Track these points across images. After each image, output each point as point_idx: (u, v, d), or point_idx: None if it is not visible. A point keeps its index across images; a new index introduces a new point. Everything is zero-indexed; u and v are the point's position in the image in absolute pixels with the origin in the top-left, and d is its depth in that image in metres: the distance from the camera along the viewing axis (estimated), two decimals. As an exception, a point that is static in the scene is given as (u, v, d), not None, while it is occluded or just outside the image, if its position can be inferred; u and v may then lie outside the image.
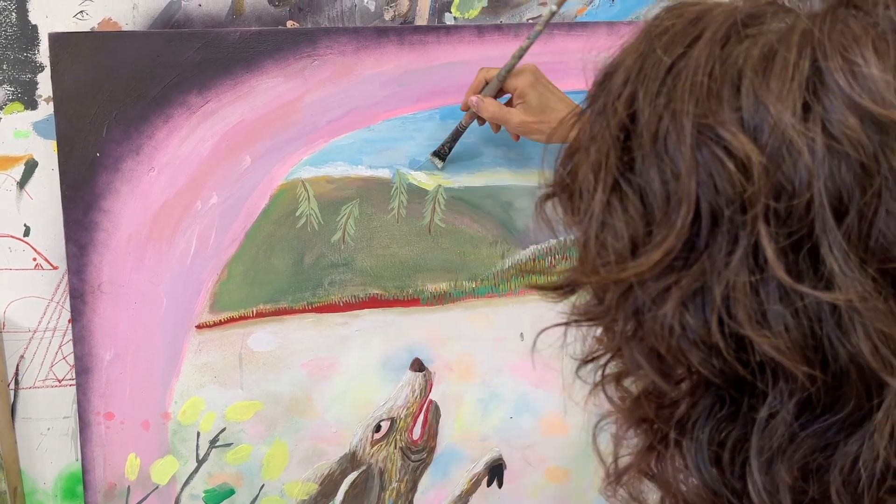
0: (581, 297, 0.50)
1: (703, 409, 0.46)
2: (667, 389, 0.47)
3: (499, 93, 0.94)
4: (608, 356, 0.50)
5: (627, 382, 0.50)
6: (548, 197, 0.52)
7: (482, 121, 0.97)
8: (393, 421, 1.05)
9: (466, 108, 0.96)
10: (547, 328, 0.53)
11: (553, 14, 0.88)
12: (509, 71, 0.91)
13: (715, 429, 0.46)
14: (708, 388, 0.46)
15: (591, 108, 0.48)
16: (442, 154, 1.00)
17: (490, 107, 0.93)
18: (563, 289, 0.51)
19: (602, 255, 0.46)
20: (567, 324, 0.51)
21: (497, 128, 0.98)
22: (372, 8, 0.99)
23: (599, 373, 0.51)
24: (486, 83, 0.93)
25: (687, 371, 0.46)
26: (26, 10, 0.95)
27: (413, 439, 1.06)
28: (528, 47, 0.90)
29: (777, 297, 0.42)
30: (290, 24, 0.99)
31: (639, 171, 0.45)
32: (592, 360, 0.51)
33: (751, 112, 0.42)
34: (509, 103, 0.94)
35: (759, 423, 0.44)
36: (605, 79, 0.48)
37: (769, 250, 0.41)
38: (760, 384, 0.44)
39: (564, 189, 0.49)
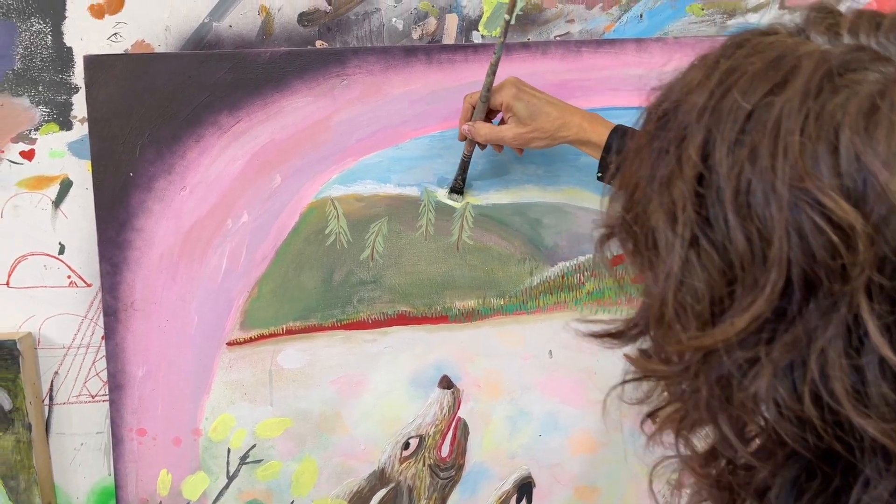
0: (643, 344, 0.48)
1: (787, 479, 0.44)
2: (745, 454, 0.45)
3: (490, 114, 0.94)
4: (677, 409, 0.47)
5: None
6: (607, 237, 0.49)
7: (483, 145, 0.97)
8: (421, 438, 1.05)
9: (464, 137, 0.96)
10: (617, 386, 0.50)
11: (508, 23, 0.88)
12: (489, 90, 0.91)
13: (801, 502, 0.43)
14: (793, 459, 0.44)
15: (651, 146, 0.46)
16: (457, 189, 1.00)
17: (482, 130, 0.92)
18: (626, 336, 0.49)
19: (681, 315, 0.43)
20: (637, 380, 0.49)
21: (500, 148, 0.98)
22: (400, 27, 1.00)
23: (662, 421, 0.48)
24: (474, 108, 0.93)
25: (766, 436, 0.44)
26: (61, 33, 0.97)
27: (442, 457, 1.06)
28: (497, 62, 0.90)
29: (880, 374, 0.39)
30: (319, 44, 1.00)
31: (718, 227, 0.42)
32: (658, 410, 0.49)
33: (853, 176, 0.39)
34: (502, 120, 0.93)
35: (853, 499, 0.41)
36: (666, 114, 0.46)
37: (871, 325, 0.38)
38: (859, 463, 0.41)
39: (628, 232, 0.47)
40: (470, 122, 0.93)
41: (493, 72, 0.90)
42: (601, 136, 0.87)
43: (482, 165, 1.01)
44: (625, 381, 0.49)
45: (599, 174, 0.89)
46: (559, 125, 0.89)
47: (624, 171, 0.48)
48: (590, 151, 0.90)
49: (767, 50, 0.43)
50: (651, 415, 0.49)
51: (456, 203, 1.01)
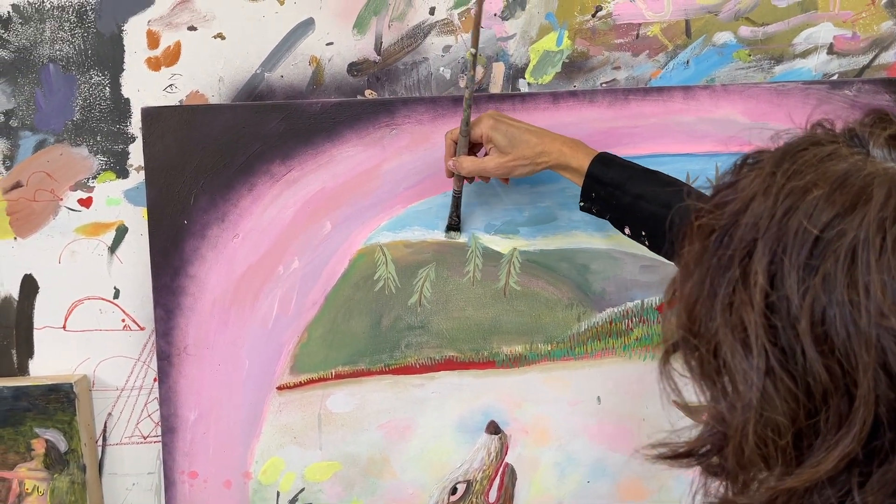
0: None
1: None
2: None
3: (475, 147, 0.94)
4: None
5: None
6: (670, 353, 0.48)
7: (470, 179, 0.98)
8: (469, 483, 1.05)
9: (451, 174, 0.96)
10: None
11: (475, 56, 0.89)
12: (467, 124, 0.92)
13: None
14: None
15: (710, 261, 0.45)
16: (454, 226, 1.01)
17: (465, 163, 0.93)
18: (694, 457, 0.47)
19: (762, 449, 0.42)
20: None
21: (487, 179, 0.98)
22: (447, 76, 1.02)
23: None
24: (456, 144, 0.94)
25: None
26: (119, 85, 1.00)
27: (489, 502, 1.06)
28: (470, 96, 0.91)
29: None
30: (368, 93, 1.01)
31: (796, 358, 0.41)
32: None
33: None
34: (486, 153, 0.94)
35: None
36: (725, 229, 0.44)
37: None
38: None
39: (692, 351, 0.46)
40: (454, 158, 0.94)
41: (468, 106, 0.91)
42: (581, 162, 0.88)
43: (528, 211, 1.02)
44: None
45: (582, 203, 0.89)
46: (539, 151, 0.89)
47: (678, 283, 0.47)
48: (571, 177, 0.90)
49: (827, 165, 0.42)
50: None
51: (455, 240, 1.01)
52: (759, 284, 0.41)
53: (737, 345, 0.42)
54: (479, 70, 1.02)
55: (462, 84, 0.91)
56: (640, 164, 0.88)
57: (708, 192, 0.51)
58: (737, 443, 0.43)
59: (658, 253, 0.87)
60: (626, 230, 0.88)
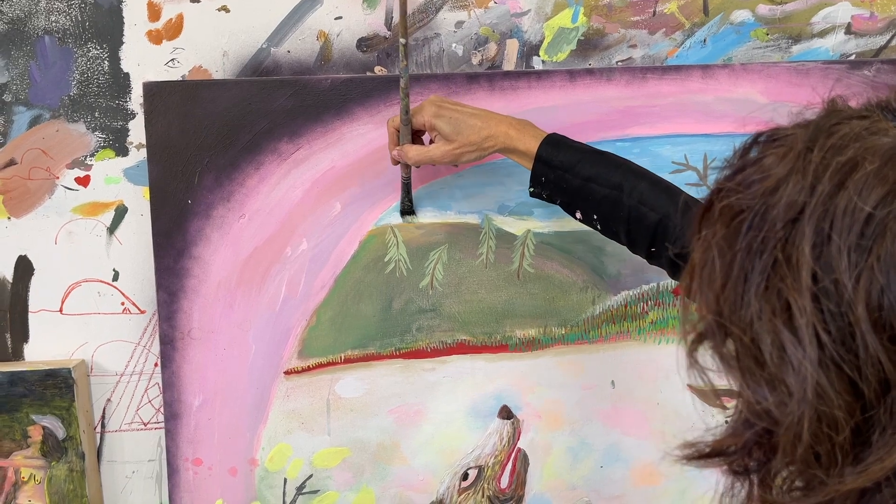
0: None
1: None
2: None
3: (420, 134, 0.92)
4: None
5: None
6: (697, 342, 0.45)
7: (417, 165, 0.94)
8: (480, 469, 1.04)
9: (396, 162, 0.93)
10: None
11: (406, 46, 0.86)
12: (407, 112, 0.89)
13: None
14: None
15: (738, 243, 0.42)
16: (407, 210, 0.98)
17: (410, 152, 0.90)
18: (728, 456, 0.44)
19: (816, 447, 0.40)
20: None
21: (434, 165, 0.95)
22: (460, 53, 0.99)
23: None
24: (398, 132, 0.91)
25: None
26: (118, 59, 0.96)
27: (501, 488, 1.04)
28: (406, 85, 0.88)
29: None
30: (378, 69, 0.98)
31: (850, 345, 0.38)
32: None
33: None
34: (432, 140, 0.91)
35: None
36: (753, 210, 0.41)
37: None
38: None
39: (723, 337, 0.43)
40: (398, 148, 0.91)
41: (405, 95, 0.88)
42: (528, 145, 0.85)
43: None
44: None
45: (532, 188, 0.86)
46: (485, 136, 0.86)
47: (699, 268, 0.44)
48: (519, 160, 0.87)
49: (871, 139, 0.40)
50: None
51: (411, 223, 0.99)
52: (805, 268, 0.39)
53: (785, 332, 0.39)
54: (493, 47, 0.99)
55: (406, 68, 0.87)
56: (590, 146, 0.85)
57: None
58: (789, 440, 0.40)
59: (610, 237, 0.84)
60: (578, 214, 0.85)
